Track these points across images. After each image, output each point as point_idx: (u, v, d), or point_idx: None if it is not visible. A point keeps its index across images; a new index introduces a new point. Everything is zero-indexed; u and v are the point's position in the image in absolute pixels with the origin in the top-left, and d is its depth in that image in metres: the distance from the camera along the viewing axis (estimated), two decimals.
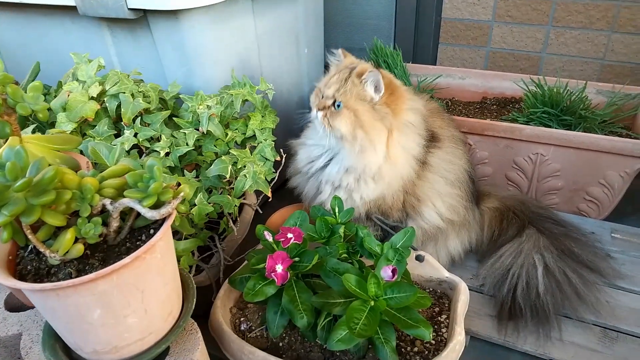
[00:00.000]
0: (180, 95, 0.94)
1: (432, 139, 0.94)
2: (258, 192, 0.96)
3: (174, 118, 0.92)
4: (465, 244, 1.06)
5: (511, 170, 1.26)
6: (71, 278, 0.52)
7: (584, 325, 0.94)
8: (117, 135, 0.90)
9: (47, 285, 0.46)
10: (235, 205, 0.90)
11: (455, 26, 1.49)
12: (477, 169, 1.25)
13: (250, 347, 0.71)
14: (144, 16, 1.03)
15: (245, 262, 0.83)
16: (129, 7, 0.99)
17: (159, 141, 0.88)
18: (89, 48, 1.08)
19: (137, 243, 0.57)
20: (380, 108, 0.83)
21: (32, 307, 0.73)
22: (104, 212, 0.56)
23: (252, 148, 0.98)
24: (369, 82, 0.81)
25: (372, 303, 0.63)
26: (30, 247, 0.55)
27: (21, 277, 0.53)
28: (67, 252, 0.51)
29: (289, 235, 0.69)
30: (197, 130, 0.92)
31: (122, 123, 0.89)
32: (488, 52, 1.50)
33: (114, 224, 0.55)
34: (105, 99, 0.90)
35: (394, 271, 0.63)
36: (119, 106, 0.90)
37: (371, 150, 0.84)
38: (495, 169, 1.27)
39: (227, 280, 0.81)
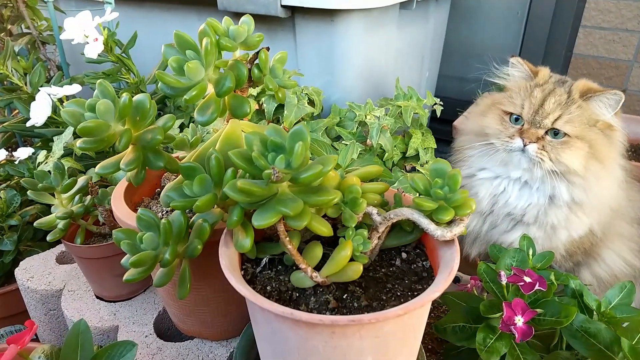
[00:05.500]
0: (348, 103, 0.83)
1: None
2: None
3: (336, 127, 0.81)
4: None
5: None
6: (328, 307, 0.38)
7: None
8: None
9: (340, 319, 0.32)
10: None
11: (587, 63, 1.38)
12: None
13: None
14: (290, 16, 0.94)
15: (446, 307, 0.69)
16: (282, 4, 0.90)
17: None
18: None
19: (391, 269, 0.43)
20: (605, 129, 0.69)
21: (190, 338, 0.59)
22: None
23: (412, 169, 0.85)
24: (606, 104, 0.67)
25: None
26: (264, 261, 0.42)
27: None
28: (336, 272, 0.38)
29: (527, 279, 0.55)
30: (361, 143, 0.80)
31: (281, 126, 0.77)
32: None
33: (375, 240, 0.42)
34: (262, 99, 0.79)
35: None
36: (277, 108, 0.79)
37: (608, 181, 0.69)
38: None
39: None
